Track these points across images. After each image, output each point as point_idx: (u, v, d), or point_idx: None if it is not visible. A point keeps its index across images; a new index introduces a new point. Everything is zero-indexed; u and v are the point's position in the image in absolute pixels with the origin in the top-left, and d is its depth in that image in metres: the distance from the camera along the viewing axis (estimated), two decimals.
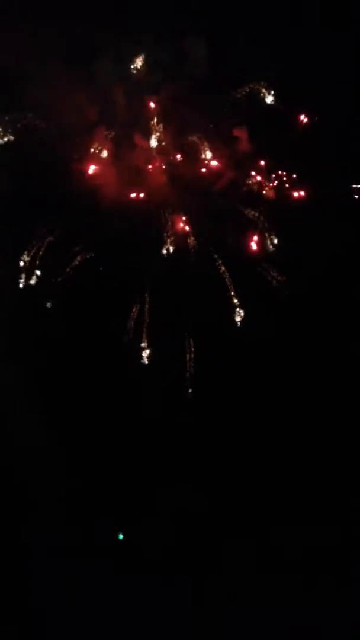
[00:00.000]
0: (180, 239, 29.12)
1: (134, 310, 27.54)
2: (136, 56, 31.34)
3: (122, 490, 25.36)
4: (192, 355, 26.64)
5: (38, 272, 28.33)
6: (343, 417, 25.98)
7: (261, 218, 29.05)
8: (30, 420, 24.35)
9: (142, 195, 30.09)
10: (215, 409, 26.59)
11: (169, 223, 29.14)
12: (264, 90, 31.07)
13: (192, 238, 28.89)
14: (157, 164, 31.21)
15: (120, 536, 24.58)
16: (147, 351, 27.35)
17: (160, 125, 31.49)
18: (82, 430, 25.84)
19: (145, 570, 23.12)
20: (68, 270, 28.21)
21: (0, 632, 20.87)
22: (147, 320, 27.39)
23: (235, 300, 27.78)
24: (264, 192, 30.21)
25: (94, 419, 26.07)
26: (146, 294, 27.71)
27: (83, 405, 26.21)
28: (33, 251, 28.28)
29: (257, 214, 29.12)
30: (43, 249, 28.35)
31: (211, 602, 22.09)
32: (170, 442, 25.97)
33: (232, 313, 27.66)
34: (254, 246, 29.21)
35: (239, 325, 27.57)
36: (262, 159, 30.76)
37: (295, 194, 30.31)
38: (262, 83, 31.19)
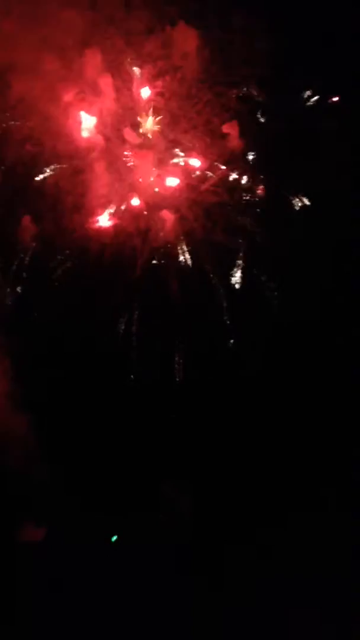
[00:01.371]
0: (169, 242, 28.94)
1: (122, 319, 27.57)
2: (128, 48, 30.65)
3: (116, 489, 25.52)
4: (182, 361, 26.81)
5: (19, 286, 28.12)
6: (341, 418, 26.30)
7: (250, 221, 28.91)
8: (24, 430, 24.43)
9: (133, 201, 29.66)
10: (209, 410, 26.80)
11: (158, 225, 28.92)
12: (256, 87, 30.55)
13: (182, 241, 28.74)
14: (146, 160, 30.79)
15: (114, 538, 24.84)
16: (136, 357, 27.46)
17: (150, 119, 31.01)
18: (76, 436, 25.98)
19: (143, 571, 23.40)
20: (55, 277, 28.02)
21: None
22: (136, 329, 27.47)
23: (225, 304, 27.90)
24: (257, 191, 29.89)
25: (86, 425, 26.22)
26: (134, 302, 27.71)
27: (74, 411, 26.34)
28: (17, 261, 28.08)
29: (247, 217, 28.94)
30: (28, 258, 28.14)
31: (211, 602, 22.39)
32: (162, 444, 26.19)
33: (223, 318, 27.78)
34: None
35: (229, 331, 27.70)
36: (253, 156, 30.47)
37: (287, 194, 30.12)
38: (254, 78, 30.69)
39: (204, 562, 24.00)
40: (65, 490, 24.93)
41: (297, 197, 29.62)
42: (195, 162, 30.76)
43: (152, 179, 30.53)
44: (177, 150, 30.97)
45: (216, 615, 22.16)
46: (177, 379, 27.27)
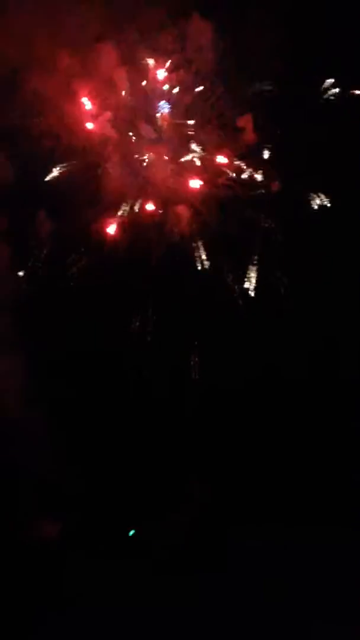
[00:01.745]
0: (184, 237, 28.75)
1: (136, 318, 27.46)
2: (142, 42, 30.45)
3: (133, 484, 25.42)
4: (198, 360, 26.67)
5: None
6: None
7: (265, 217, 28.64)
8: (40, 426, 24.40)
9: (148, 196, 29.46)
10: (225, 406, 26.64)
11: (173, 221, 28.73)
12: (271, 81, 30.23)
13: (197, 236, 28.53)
14: (161, 155, 30.62)
15: (131, 532, 24.78)
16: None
17: (164, 114, 30.82)
18: (92, 432, 25.93)
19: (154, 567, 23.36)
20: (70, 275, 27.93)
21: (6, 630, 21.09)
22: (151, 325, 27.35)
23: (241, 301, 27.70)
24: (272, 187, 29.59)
25: (102, 421, 26.16)
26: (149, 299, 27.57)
27: (90, 408, 26.29)
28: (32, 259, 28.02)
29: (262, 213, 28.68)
30: (43, 254, 28.07)
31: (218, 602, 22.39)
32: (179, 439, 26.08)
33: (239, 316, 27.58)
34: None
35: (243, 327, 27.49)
36: (269, 151, 30.16)
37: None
38: (270, 71, 30.33)
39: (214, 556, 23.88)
40: (82, 485, 24.80)
41: (315, 194, 29.15)
42: (210, 157, 30.48)
43: (166, 173, 30.25)
44: (191, 145, 30.69)
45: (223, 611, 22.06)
46: (193, 377, 27.08)
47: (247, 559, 23.85)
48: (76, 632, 21.18)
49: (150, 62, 30.56)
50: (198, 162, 30.40)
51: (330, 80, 30.05)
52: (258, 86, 30.55)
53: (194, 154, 30.48)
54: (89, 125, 30.06)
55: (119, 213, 29.23)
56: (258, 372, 26.92)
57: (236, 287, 28.28)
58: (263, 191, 29.80)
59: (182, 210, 29.46)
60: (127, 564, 23.56)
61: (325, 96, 30.36)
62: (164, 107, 30.66)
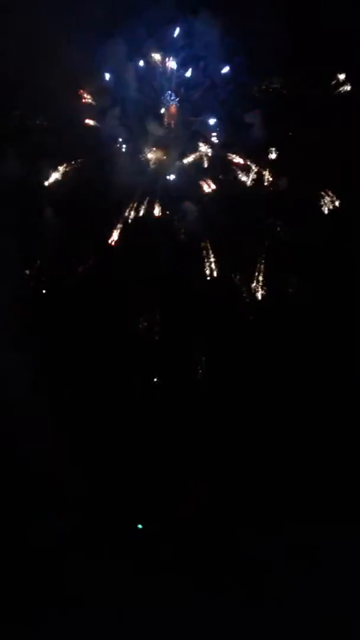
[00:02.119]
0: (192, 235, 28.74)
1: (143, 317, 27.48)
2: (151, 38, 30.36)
3: (138, 481, 25.60)
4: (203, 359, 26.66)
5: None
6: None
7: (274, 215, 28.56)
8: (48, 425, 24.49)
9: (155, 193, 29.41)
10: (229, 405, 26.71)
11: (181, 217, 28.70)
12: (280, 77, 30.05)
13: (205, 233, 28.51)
14: (169, 151, 30.55)
15: (139, 526, 24.83)
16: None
17: (173, 110, 30.69)
18: (99, 431, 26.05)
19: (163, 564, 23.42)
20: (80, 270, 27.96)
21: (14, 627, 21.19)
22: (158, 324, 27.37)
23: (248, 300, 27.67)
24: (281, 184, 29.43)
25: (108, 420, 26.24)
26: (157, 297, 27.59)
27: (96, 407, 26.37)
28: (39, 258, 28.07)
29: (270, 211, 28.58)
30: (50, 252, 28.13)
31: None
32: (183, 437, 26.19)
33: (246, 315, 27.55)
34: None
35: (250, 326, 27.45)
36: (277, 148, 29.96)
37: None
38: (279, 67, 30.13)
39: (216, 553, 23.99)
40: (85, 485, 24.89)
41: (325, 193, 29.02)
42: (218, 153, 30.36)
43: (174, 170, 30.17)
44: (199, 141, 30.53)
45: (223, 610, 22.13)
46: (198, 376, 27.08)
47: (251, 558, 23.83)
48: (77, 632, 21.27)
49: (159, 58, 30.40)
50: (206, 159, 30.22)
51: (342, 76, 29.73)
52: (267, 83, 30.29)
53: (202, 151, 30.33)
54: (96, 122, 29.99)
55: (127, 209, 29.08)
56: (264, 373, 26.79)
57: (244, 288, 28.17)
58: (272, 188, 29.52)
59: (189, 206, 29.33)
60: (128, 564, 23.49)
61: (336, 92, 29.89)
62: (170, 100, 30.45)
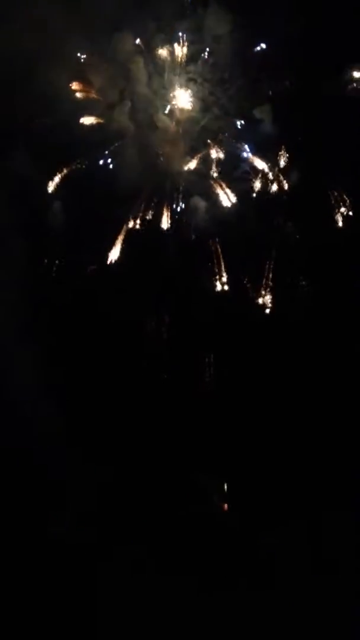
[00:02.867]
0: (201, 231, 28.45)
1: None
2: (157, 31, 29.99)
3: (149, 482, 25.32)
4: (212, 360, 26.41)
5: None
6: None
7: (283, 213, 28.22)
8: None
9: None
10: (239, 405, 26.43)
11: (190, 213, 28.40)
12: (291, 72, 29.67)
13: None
14: (178, 147, 30.20)
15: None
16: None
17: (182, 105, 30.31)
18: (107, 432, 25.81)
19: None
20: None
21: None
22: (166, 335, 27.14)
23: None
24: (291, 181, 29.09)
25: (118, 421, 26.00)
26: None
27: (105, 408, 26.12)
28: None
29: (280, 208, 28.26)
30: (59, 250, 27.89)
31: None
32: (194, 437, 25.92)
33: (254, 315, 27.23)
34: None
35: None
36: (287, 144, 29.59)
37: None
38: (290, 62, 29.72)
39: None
40: (98, 483, 24.66)
41: (335, 191, 28.62)
42: (228, 149, 30.05)
43: (183, 165, 29.84)
44: (209, 137, 30.19)
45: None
46: (207, 378, 26.83)
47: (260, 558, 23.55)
48: (78, 632, 21.09)
49: (167, 53, 30.03)
50: (215, 154, 29.87)
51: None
52: (279, 78, 29.92)
53: (211, 146, 29.97)
54: (105, 118, 29.69)
55: (136, 205, 28.80)
56: (273, 373, 26.48)
57: (250, 285, 27.89)
58: (282, 184, 29.18)
59: (199, 202, 29.06)
60: (134, 563, 23.33)
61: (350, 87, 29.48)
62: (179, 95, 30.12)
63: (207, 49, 30.06)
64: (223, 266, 27.91)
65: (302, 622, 20.88)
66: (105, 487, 24.73)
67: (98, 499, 24.47)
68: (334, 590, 21.69)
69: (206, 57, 30.10)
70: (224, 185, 29.17)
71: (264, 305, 27.60)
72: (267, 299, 27.51)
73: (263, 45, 30.29)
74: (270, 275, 27.66)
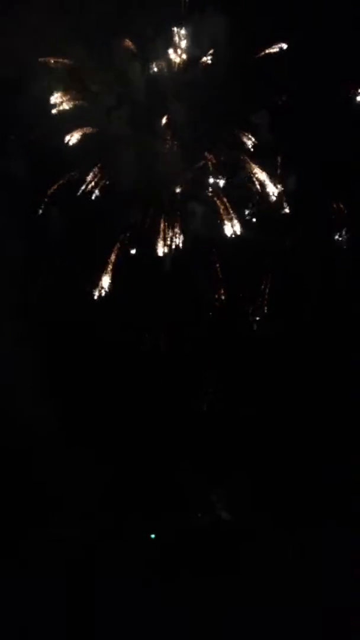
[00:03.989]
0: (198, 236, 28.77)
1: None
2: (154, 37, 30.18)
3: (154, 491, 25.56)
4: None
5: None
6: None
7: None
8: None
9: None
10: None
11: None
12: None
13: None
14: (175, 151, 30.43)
15: (152, 535, 24.89)
16: None
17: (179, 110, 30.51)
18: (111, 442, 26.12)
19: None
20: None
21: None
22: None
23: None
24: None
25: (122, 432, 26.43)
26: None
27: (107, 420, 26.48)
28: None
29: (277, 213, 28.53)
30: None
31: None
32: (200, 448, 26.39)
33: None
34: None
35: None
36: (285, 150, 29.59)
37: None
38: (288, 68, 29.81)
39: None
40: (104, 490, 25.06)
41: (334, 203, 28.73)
42: (225, 154, 30.22)
43: (180, 170, 30.04)
44: (206, 141, 30.29)
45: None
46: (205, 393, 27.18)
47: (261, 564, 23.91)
48: (78, 631, 21.47)
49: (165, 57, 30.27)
50: (212, 160, 30.13)
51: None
52: (277, 83, 30.00)
53: (208, 152, 30.20)
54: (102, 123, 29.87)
55: (134, 209, 29.05)
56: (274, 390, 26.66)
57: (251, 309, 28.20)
58: (279, 190, 29.39)
59: (196, 207, 29.17)
60: (138, 566, 23.63)
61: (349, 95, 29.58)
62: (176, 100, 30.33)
63: (205, 56, 30.25)
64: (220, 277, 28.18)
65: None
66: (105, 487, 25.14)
67: (98, 499, 24.86)
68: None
69: (204, 63, 30.27)
70: (221, 195, 29.38)
71: (260, 321, 27.98)
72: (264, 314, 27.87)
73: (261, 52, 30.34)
74: (267, 290, 27.84)
